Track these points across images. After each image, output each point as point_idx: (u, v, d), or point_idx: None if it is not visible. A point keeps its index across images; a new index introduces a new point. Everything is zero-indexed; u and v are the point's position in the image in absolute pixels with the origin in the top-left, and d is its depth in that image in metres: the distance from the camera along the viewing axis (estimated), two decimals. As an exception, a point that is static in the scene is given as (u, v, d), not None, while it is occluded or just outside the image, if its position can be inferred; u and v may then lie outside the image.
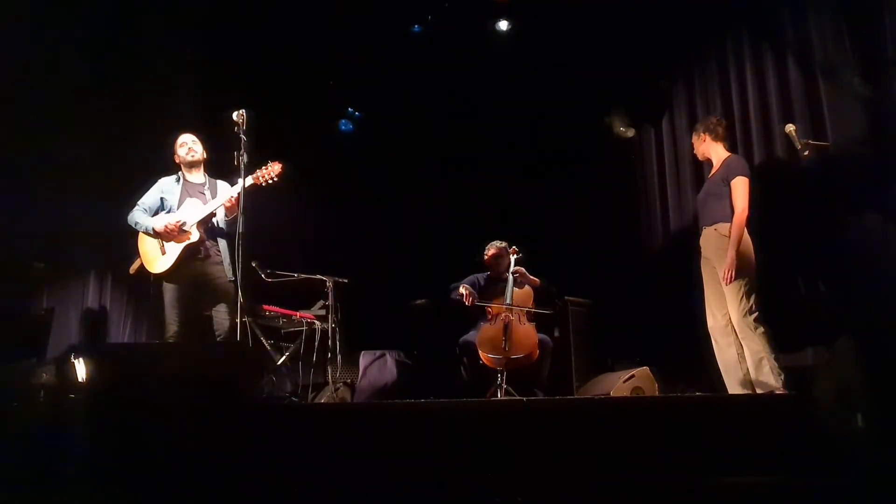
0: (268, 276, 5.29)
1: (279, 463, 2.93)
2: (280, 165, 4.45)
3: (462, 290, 5.05)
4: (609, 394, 4.62)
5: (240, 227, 4.10)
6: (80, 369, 5.36)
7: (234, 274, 4.39)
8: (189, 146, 4.66)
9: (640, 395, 4.62)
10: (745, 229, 4.07)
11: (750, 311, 3.99)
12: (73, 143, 5.84)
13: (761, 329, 3.96)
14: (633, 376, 4.70)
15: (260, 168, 4.42)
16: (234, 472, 2.83)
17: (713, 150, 4.40)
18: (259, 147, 4.35)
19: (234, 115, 4.16)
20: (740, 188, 4.10)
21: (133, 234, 4.61)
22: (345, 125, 7.04)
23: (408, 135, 6.74)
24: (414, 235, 6.59)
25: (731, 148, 4.57)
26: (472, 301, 5.02)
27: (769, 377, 3.89)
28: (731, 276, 3.99)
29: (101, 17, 5.75)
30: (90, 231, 6.02)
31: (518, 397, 4.55)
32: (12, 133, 5.48)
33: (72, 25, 5.66)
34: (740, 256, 4.01)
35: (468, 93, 6.50)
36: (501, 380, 4.73)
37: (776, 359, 3.92)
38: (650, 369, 4.78)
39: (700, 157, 4.57)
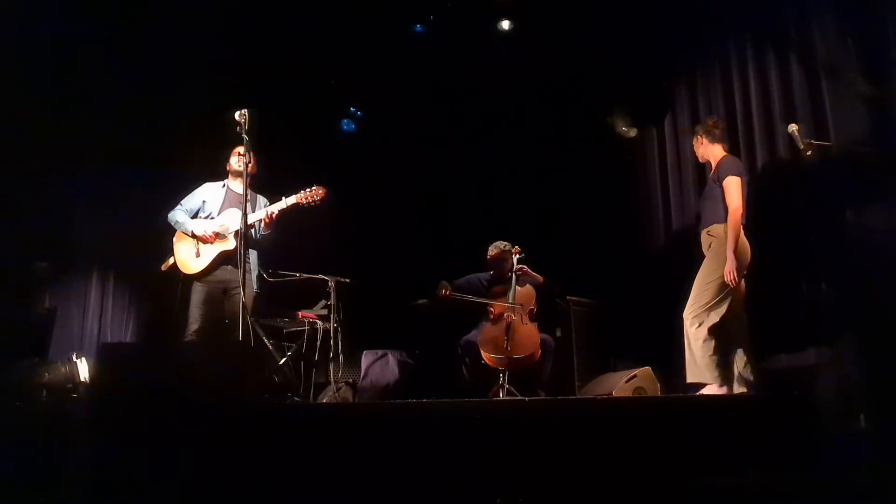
0: (270, 276, 5.29)
1: (281, 463, 2.93)
2: (324, 190, 4.60)
3: (441, 285, 5.11)
4: (611, 394, 4.62)
5: (242, 227, 4.13)
6: (83, 369, 5.38)
7: (260, 285, 4.74)
8: (240, 157, 4.72)
9: (643, 395, 4.61)
10: (742, 230, 4.08)
11: (700, 308, 4.06)
12: (77, 143, 5.85)
13: (696, 326, 4.05)
14: (635, 376, 4.70)
15: (304, 189, 4.57)
16: (235, 472, 2.83)
17: (711, 152, 4.41)
18: (261, 147, 4.37)
19: (237, 115, 4.17)
20: (732, 188, 4.11)
21: (161, 234, 4.79)
22: (347, 125, 7.05)
23: (410, 134, 6.74)
24: (416, 235, 6.59)
25: (733, 148, 4.56)
26: (447, 293, 5.06)
27: (704, 371, 4.00)
28: (735, 278, 3.99)
29: (105, 17, 5.76)
30: (93, 231, 6.03)
31: (520, 397, 4.55)
32: (15, 133, 5.49)
33: (77, 25, 5.68)
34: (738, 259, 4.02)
35: (470, 92, 6.50)
36: (503, 380, 4.73)
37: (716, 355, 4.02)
38: (652, 369, 4.78)
39: (700, 160, 4.59)
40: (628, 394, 4.59)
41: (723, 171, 4.20)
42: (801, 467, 2.60)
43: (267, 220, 4.58)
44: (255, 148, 4.28)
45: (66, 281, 6.30)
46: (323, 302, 5.51)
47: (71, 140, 5.84)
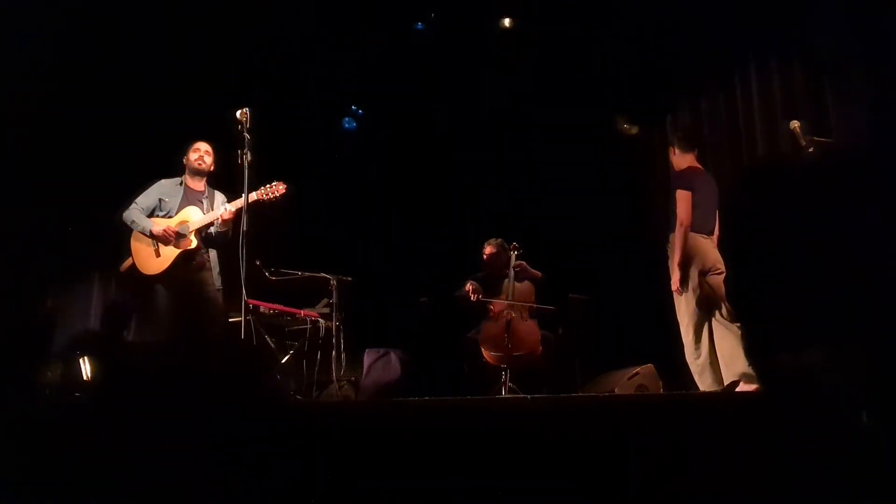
0: (272, 274, 5.30)
1: (282, 461, 2.93)
2: (284, 186, 4.48)
3: (468, 286, 5.06)
4: (613, 391, 4.62)
5: (243, 226, 4.11)
6: (85, 368, 5.38)
7: (224, 282, 4.54)
8: (201, 154, 4.64)
9: (645, 392, 4.61)
10: (702, 241, 4.16)
11: (686, 317, 4.16)
12: (79, 141, 5.85)
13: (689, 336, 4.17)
14: (637, 374, 4.70)
15: (264, 186, 4.44)
16: (235, 471, 2.83)
17: (682, 162, 4.44)
18: (262, 146, 4.35)
19: (238, 114, 4.16)
20: (679, 201, 4.19)
21: (125, 232, 4.62)
22: (348, 123, 7.05)
23: (411, 132, 6.74)
24: (417, 233, 6.60)
25: (734, 147, 4.58)
26: (478, 297, 5.02)
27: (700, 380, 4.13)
28: (678, 288, 4.14)
29: (105, 17, 5.75)
30: (96, 230, 6.03)
31: (522, 395, 4.55)
32: (17, 130, 5.49)
33: (76, 25, 5.67)
34: (683, 269, 4.11)
35: (471, 90, 6.50)
36: (505, 377, 4.73)
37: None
38: (654, 366, 4.78)
39: (675, 169, 4.60)
40: (630, 391, 4.59)
41: (675, 183, 4.28)
42: (802, 465, 2.60)
43: (223, 218, 4.40)
44: (246, 145, 4.23)
45: (68, 280, 6.30)
46: (325, 300, 5.52)
47: (71, 139, 5.85)
